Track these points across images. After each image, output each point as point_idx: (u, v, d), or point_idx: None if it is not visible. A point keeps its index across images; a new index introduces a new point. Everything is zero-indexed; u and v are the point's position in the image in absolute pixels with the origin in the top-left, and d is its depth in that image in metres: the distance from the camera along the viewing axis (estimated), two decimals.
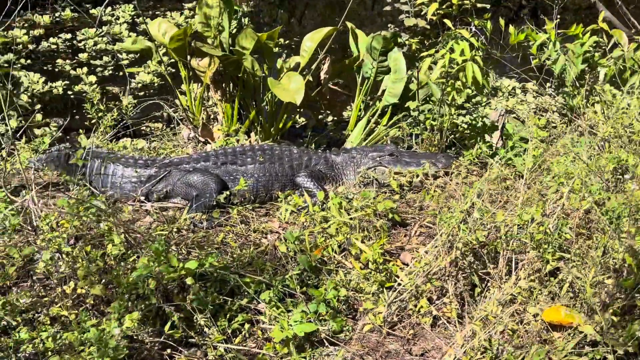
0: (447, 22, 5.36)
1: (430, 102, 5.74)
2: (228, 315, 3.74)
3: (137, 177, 5.14)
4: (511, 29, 5.61)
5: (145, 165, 5.20)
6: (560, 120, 5.52)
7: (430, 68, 5.47)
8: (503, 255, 4.05)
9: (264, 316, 3.73)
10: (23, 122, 7.43)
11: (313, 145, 7.32)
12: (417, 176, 5.20)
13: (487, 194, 4.38)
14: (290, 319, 3.60)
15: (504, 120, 6.40)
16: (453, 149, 5.80)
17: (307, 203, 4.89)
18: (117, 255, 3.77)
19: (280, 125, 6.98)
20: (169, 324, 3.47)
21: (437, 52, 5.25)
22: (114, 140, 6.95)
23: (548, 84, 6.00)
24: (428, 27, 5.62)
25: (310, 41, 6.63)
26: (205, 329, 3.54)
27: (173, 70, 7.84)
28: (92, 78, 8.79)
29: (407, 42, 6.04)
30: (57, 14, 10.73)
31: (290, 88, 6.00)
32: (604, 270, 3.70)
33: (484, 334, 3.50)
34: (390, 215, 4.76)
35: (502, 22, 5.61)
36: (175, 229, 4.62)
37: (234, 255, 4.26)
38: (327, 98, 7.33)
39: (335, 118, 8.26)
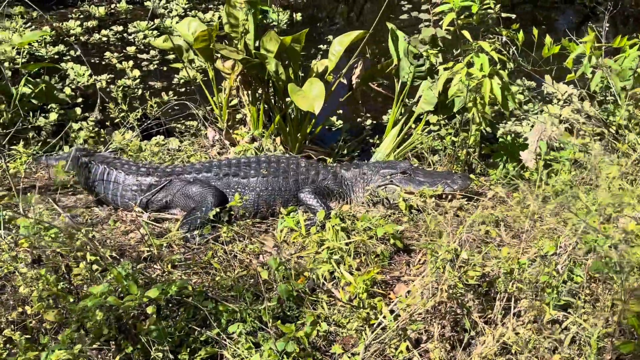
0: (466, 33, 4.92)
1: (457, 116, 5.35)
2: (193, 347, 3.53)
3: (138, 186, 4.99)
4: (547, 39, 5.12)
5: (146, 174, 5.05)
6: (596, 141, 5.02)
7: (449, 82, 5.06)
8: (500, 298, 3.68)
9: (227, 352, 3.50)
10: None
11: (345, 150, 7.04)
12: (432, 197, 4.83)
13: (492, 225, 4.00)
14: (253, 358, 3.35)
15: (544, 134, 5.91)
16: (476, 168, 5.38)
17: (316, 219, 4.64)
18: (83, 278, 3.61)
19: (308, 130, 6.73)
20: (117, 357, 3.28)
21: (455, 65, 4.84)
22: (143, 139, 6.85)
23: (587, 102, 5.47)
24: (449, 37, 5.19)
25: (339, 45, 6.33)
26: None
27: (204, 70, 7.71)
28: (137, 72, 8.76)
29: (425, 54, 5.63)
30: (112, 6, 10.79)
31: (310, 95, 5.73)
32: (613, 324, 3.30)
33: None
34: (392, 241, 4.43)
35: (535, 31, 5.12)
36: (165, 244, 4.45)
37: (216, 278, 4.04)
38: (360, 102, 7.00)
39: (374, 122, 7.93)
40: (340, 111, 8.09)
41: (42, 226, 3.56)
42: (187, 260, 4.31)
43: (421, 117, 6.30)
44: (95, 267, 3.64)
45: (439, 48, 5.42)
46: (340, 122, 7.88)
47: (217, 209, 4.54)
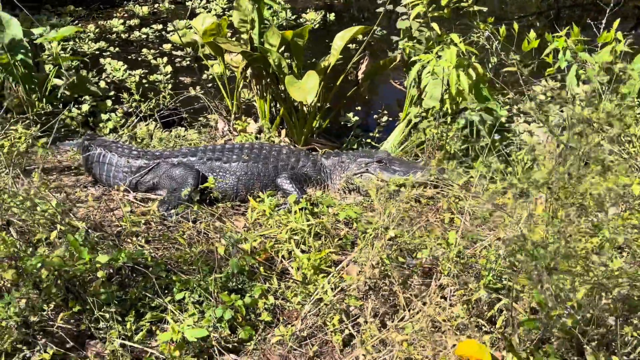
0: (435, 25, 5.00)
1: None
2: (142, 311, 3.78)
3: (129, 167, 5.31)
4: (531, 34, 5.15)
5: (136, 156, 5.36)
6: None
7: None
8: (436, 277, 3.79)
9: (169, 316, 3.74)
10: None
11: (355, 145, 7.19)
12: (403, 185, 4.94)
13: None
14: (185, 322, 3.58)
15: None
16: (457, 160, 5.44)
17: (288, 203, 4.84)
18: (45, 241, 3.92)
19: (314, 124, 6.91)
20: (61, 314, 3.57)
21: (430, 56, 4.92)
22: (164, 130, 7.18)
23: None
24: (424, 29, 5.27)
25: (341, 40, 6.50)
26: (103, 323, 3.60)
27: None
28: (169, 68, 9.16)
29: (401, 46, 5.73)
30: (156, 5, 11.29)
31: (305, 87, 5.93)
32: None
33: None
34: (354, 225, 4.57)
35: (515, 26, 5.15)
36: (143, 221, 4.74)
37: (180, 253, 4.29)
38: (366, 98, 7.14)
39: (391, 118, 8.04)
40: (359, 108, 8.23)
41: (14, 196, 3.89)
42: (160, 236, 4.58)
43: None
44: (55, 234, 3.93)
45: (414, 41, 5.52)
46: (356, 117, 8.01)
47: (189, 190, 4.80)
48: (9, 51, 7.29)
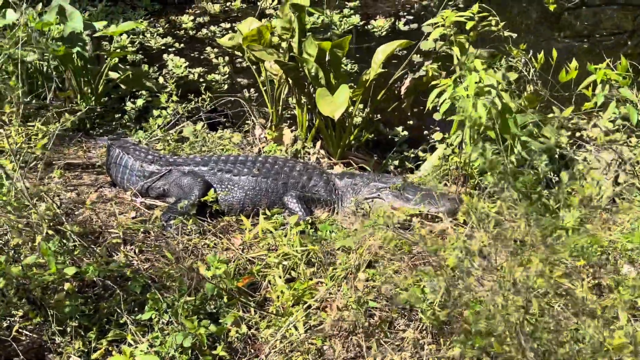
0: (456, 49, 4.63)
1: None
2: (107, 328, 3.71)
3: (142, 172, 5.26)
4: (573, 63, 4.71)
5: (150, 161, 5.31)
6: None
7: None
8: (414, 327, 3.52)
9: (130, 336, 3.63)
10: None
11: (397, 162, 6.89)
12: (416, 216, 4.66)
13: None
14: (139, 347, 3.47)
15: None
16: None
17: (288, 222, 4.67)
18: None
19: (352, 137, 6.68)
20: (16, 326, 3.52)
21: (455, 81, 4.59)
22: (209, 132, 7.13)
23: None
24: (458, 54, 4.91)
25: (382, 54, 6.23)
26: (59, 338, 3.54)
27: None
28: (227, 69, 9.14)
29: (424, 68, 5.37)
30: (228, 4, 11.30)
31: (336, 101, 5.72)
32: None
33: None
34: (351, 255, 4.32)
35: (554, 53, 4.72)
36: (142, 230, 4.68)
37: (166, 267, 4.19)
38: (409, 114, 6.83)
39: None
40: (411, 122, 7.90)
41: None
42: (157, 246, 4.49)
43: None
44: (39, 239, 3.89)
45: (439, 63, 5.18)
46: (405, 132, 7.68)
47: (186, 202, 4.69)
48: (68, 43, 7.41)
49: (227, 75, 9.00)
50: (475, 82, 4.25)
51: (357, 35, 10.30)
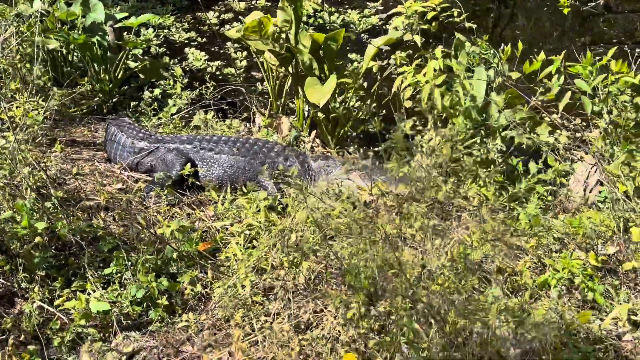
0: (417, 38, 4.82)
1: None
2: (72, 279, 4.05)
3: (132, 148, 5.62)
4: (541, 55, 4.87)
5: (141, 138, 5.65)
6: None
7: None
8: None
9: (89, 285, 3.96)
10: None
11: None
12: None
13: None
14: (93, 295, 3.79)
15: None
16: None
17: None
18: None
19: (347, 129, 6.91)
20: None
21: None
22: (219, 120, 7.46)
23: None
24: (419, 42, 5.10)
25: (373, 47, 6.45)
26: (26, 284, 3.89)
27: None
28: (244, 63, 9.49)
29: (394, 58, 5.56)
30: (253, 2, 11.67)
31: (323, 90, 5.98)
32: None
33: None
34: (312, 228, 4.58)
35: (520, 46, 4.88)
36: (124, 199, 5.02)
37: (131, 231, 4.51)
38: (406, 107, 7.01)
39: None
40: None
41: None
42: (133, 213, 4.83)
43: None
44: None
45: (406, 52, 5.38)
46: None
47: (162, 174, 5.02)
48: (89, 32, 7.85)
49: (242, 69, 9.33)
50: (435, 70, 4.45)
51: (377, 34, 10.51)
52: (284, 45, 6.52)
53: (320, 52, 6.51)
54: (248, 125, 7.21)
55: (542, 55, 4.90)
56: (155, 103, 7.75)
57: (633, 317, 3.98)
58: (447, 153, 4.46)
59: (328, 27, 10.63)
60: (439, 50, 4.65)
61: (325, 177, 5.27)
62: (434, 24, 4.98)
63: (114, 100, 8.05)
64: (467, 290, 2.82)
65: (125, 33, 9.34)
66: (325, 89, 5.95)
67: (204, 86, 7.52)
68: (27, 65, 6.73)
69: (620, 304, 3.98)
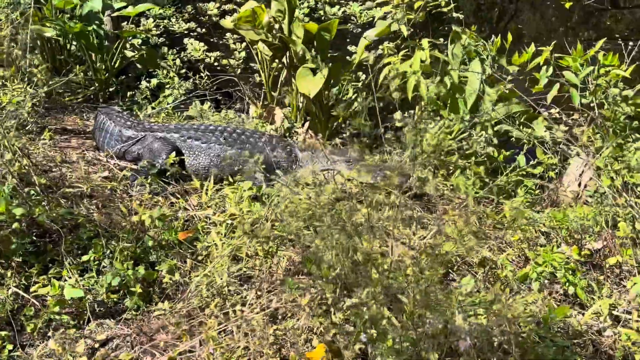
0: (403, 28, 4.75)
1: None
2: (49, 266, 4.03)
3: (120, 136, 5.59)
4: (531, 48, 4.80)
5: (128, 127, 5.62)
6: None
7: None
8: None
9: (65, 272, 3.94)
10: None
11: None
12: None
13: None
14: (69, 281, 3.77)
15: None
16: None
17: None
18: None
19: (340, 121, 6.87)
20: None
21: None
22: (215, 111, 7.44)
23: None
24: (405, 33, 5.04)
25: (366, 39, 6.40)
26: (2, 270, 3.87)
27: None
28: (243, 54, 9.45)
29: (381, 48, 5.50)
30: None
31: (314, 80, 5.94)
32: None
33: None
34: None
35: (510, 37, 4.81)
36: (108, 187, 5.00)
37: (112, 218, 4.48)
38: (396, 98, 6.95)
39: None
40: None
41: None
42: (115, 201, 4.81)
43: None
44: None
45: (395, 43, 5.32)
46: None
47: (146, 162, 4.98)
48: (85, 21, 7.83)
49: (241, 60, 9.30)
50: (422, 61, 4.39)
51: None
52: (277, 36, 6.47)
53: (315, 42, 6.46)
54: (242, 116, 7.17)
55: (532, 48, 4.84)
56: (149, 92, 7.74)
57: (615, 313, 3.92)
58: (430, 145, 4.42)
59: (326, 19, 10.54)
60: (425, 41, 4.59)
61: (311, 167, 5.23)
62: (421, 14, 4.91)
63: (110, 89, 8.04)
64: (433, 281, 2.77)
65: (126, 22, 9.33)
66: (316, 80, 5.91)
67: (197, 76, 7.47)
68: (19, 52, 6.69)
69: (602, 298, 3.93)
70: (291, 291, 3.21)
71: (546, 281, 4.11)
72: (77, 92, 7.81)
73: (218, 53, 9.61)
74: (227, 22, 7.54)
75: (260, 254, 3.72)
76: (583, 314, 3.88)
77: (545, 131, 5.33)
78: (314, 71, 6.14)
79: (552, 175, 4.87)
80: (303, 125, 6.86)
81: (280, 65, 6.93)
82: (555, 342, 3.47)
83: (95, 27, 7.89)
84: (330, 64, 6.50)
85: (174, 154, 5.10)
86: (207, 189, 4.91)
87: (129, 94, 7.73)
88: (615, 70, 4.48)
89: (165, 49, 9.41)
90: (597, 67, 4.51)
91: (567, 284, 3.89)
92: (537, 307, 3.73)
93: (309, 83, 5.86)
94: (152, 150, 5.35)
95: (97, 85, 7.86)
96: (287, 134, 6.82)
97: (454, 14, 4.86)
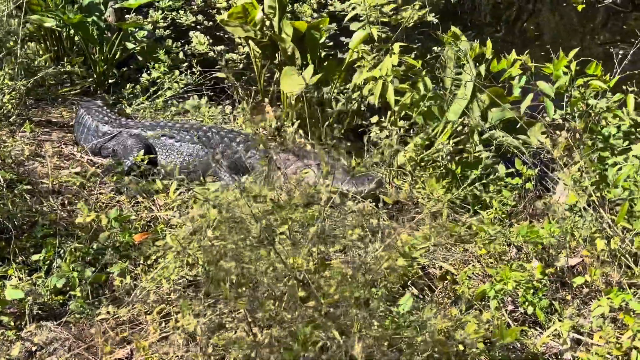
0: (374, 30, 4.59)
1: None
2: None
3: (96, 131, 5.54)
4: (512, 55, 4.62)
5: (105, 122, 5.57)
6: None
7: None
8: None
9: (11, 271, 3.89)
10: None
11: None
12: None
13: None
14: (11, 282, 3.73)
15: None
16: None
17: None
18: None
19: (331, 121, 6.73)
20: None
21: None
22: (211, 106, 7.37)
23: None
24: (375, 36, 4.88)
25: (357, 39, 6.23)
26: None
27: None
28: (247, 49, 9.37)
29: (355, 50, 5.34)
30: None
31: (298, 80, 5.84)
32: None
33: None
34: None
35: (489, 44, 4.63)
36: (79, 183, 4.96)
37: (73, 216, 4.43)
38: None
39: None
40: None
41: None
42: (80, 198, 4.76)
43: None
44: None
45: (370, 45, 5.16)
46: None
47: (112, 161, 4.93)
48: (85, 12, 7.81)
49: (244, 55, 9.21)
50: (393, 65, 4.25)
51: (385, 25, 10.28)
52: (266, 33, 6.36)
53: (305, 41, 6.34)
54: (234, 112, 7.09)
55: (512, 54, 4.66)
56: (148, 84, 7.70)
57: (576, 336, 3.76)
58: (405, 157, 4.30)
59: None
60: (397, 45, 4.44)
61: (285, 169, 5.12)
62: (393, 17, 4.77)
63: (109, 81, 8.02)
64: (357, 301, 2.65)
65: (135, 14, 9.33)
66: (300, 79, 5.79)
67: (189, 71, 7.41)
68: (10, 43, 6.70)
69: (563, 320, 3.76)
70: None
71: (509, 299, 3.96)
72: (76, 83, 7.79)
73: (222, 47, 9.54)
74: (224, 17, 7.45)
75: (200, 262, 3.62)
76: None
77: (545, 138, 5.16)
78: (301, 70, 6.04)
79: (530, 186, 4.70)
80: (293, 124, 6.74)
81: (269, 64, 6.82)
82: None
83: (95, 18, 7.85)
84: (326, 63, 6.40)
85: (142, 152, 5.02)
86: (172, 190, 4.82)
87: (127, 86, 7.68)
88: (595, 81, 4.28)
89: (170, 41, 9.37)
90: (569, 78, 4.30)
91: (525, 303, 3.72)
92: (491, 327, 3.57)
93: (292, 82, 5.76)
94: (125, 147, 5.29)
95: (95, 77, 7.83)
96: (277, 133, 6.71)
97: (429, 17, 4.70)
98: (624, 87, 4.74)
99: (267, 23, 6.55)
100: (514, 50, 4.66)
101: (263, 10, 6.47)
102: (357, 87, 5.09)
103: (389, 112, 4.88)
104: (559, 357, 3.69)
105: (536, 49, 9.44)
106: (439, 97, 4.55)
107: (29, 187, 4.53)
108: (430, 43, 5.68)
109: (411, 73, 4.55)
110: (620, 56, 4.96)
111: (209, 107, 7.20)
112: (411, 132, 5.02)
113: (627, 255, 3.93)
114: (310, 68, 5.85)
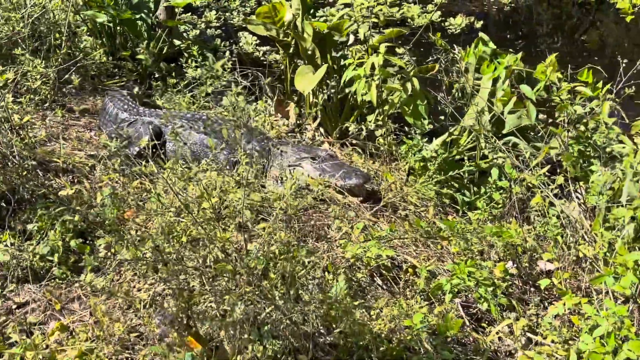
0: (361, 30, 4.67)
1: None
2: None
3: (115, 119, 5.89)
4: (505, 58, 4.65)
5: (124, 110, 5.91)
6: None
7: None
8: None
9: (5, 237, 4.24)
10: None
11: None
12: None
13: None
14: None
15: None
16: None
17: None
18: None
19: (352, 119, 6.87)
20: None
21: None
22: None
23: None
24: (361, 35, 4.96)
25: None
26: None
27: None
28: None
29: (349, 51, 5.42)
30: None
31: (311, 78, 6.01)
32: None
33: None
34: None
35: (481, 48, 4.65)
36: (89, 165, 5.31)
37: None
38: None
39: None
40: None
41: None
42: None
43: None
44: None
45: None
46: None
47: (113, 143, 5.22)
48: (135, 9, 8.26)
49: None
50: (383, 66, 4.36)
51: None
52: (287, 33, 6.57)
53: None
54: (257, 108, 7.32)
55: (505, 59, 4.69)
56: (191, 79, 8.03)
57: (531, 335, 3.79)
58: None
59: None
60: (383, 46, 4.55)
61: (281, 161, 5.30)
62: (382, 18, 4.87)
63: (156, 75, 8.41)
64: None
65: (190, 13, 9.74)
66: (313, 78, 5.96)
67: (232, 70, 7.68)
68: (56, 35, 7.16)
69: (518, 319, 3.79)
70: None
71: (469, 295, 4.01)
72: (122, 76, 8.22)
73: (268, 47, 9.83)
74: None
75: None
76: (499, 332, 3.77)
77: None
78: (316, 69, 6.20)
79: (517, 190, 4.71)
80: (314, 121, 6.92)
81: (294, 63, 7.01)
82: (440, 354, 3.40)
83: (143, 15, 8.27)
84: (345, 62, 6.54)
85: (146, 138, 5.31)
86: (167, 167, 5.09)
87: (171, 81, 8.04)
88: (579, 87, 4.27)
89: (219, 40, 9.74)
90: (546, 82, 4.31)
91: (480, 299, 3.78)
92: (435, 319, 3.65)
93: (305, 80, 5.93)
94: (138, 134, 5.60)
95: (140, 71, 8.24)
96: (298, 130, 6.91)
97: (478, 25, 4.76)
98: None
99: (291, 24, 6.74)
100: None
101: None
102: (345, 84, 5.22)
103: (377, 111, 4.99)
104: (512, 354, 3.73)
105: (596, 62, 9.29)
106: (423, 96, 4.63)
107: (34, 162, 4.87)
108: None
109: (402, 74, 4.64)
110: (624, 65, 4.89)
111: (246, 104, 7.45)
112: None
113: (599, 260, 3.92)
114: (324, 67, 6.01)
